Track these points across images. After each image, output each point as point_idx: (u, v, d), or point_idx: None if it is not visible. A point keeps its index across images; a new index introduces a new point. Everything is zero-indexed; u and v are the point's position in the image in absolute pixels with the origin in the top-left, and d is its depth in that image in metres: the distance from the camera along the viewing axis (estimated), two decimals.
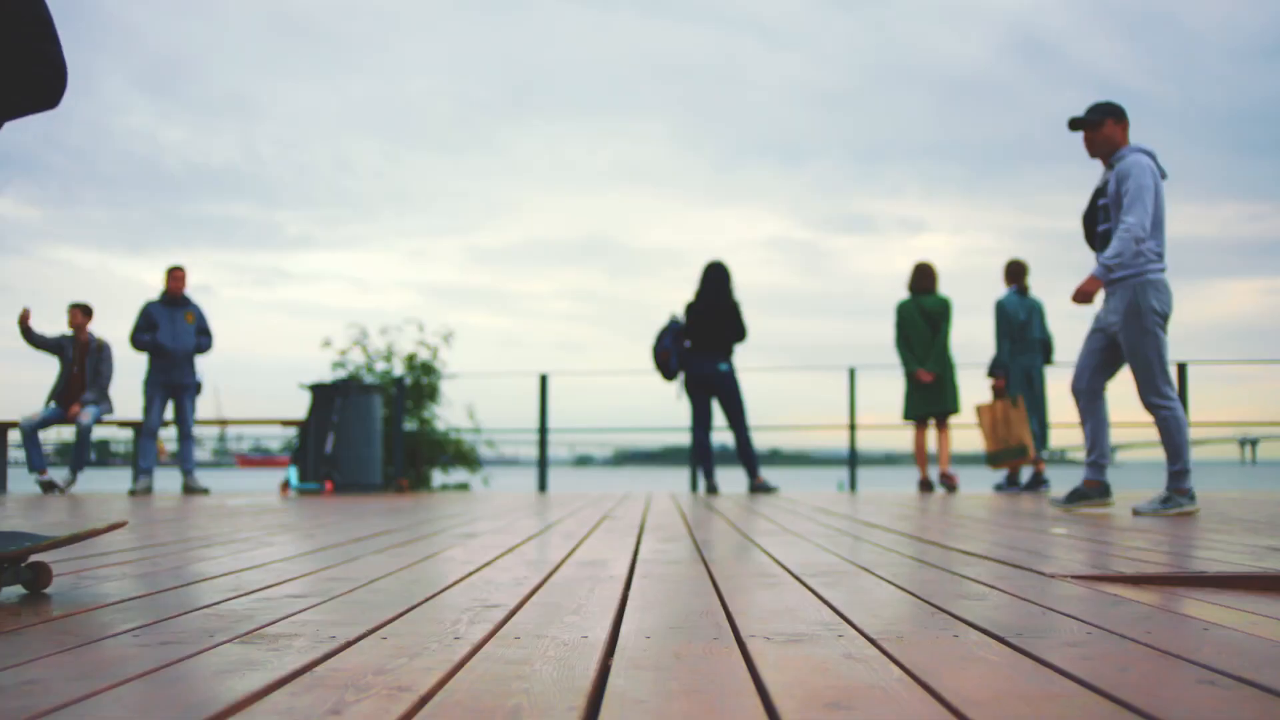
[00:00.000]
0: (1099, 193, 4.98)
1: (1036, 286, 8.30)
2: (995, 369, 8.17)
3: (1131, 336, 4.72)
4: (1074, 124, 4.91)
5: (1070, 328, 10.74)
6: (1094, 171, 5.06)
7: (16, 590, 1.92)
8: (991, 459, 8.02)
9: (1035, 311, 8.10)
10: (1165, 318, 4.72)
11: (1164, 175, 4.79)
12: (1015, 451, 7.84)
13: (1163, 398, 4.71)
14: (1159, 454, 4.85)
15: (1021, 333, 8.04)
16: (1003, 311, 8.04)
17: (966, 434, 8.48)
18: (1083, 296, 4.82)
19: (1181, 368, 8.92)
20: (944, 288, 8.47)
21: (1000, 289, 8.26)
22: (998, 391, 8.12)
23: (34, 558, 1.85)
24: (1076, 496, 4.97)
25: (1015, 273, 8.18)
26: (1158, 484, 4.78)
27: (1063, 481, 6.78)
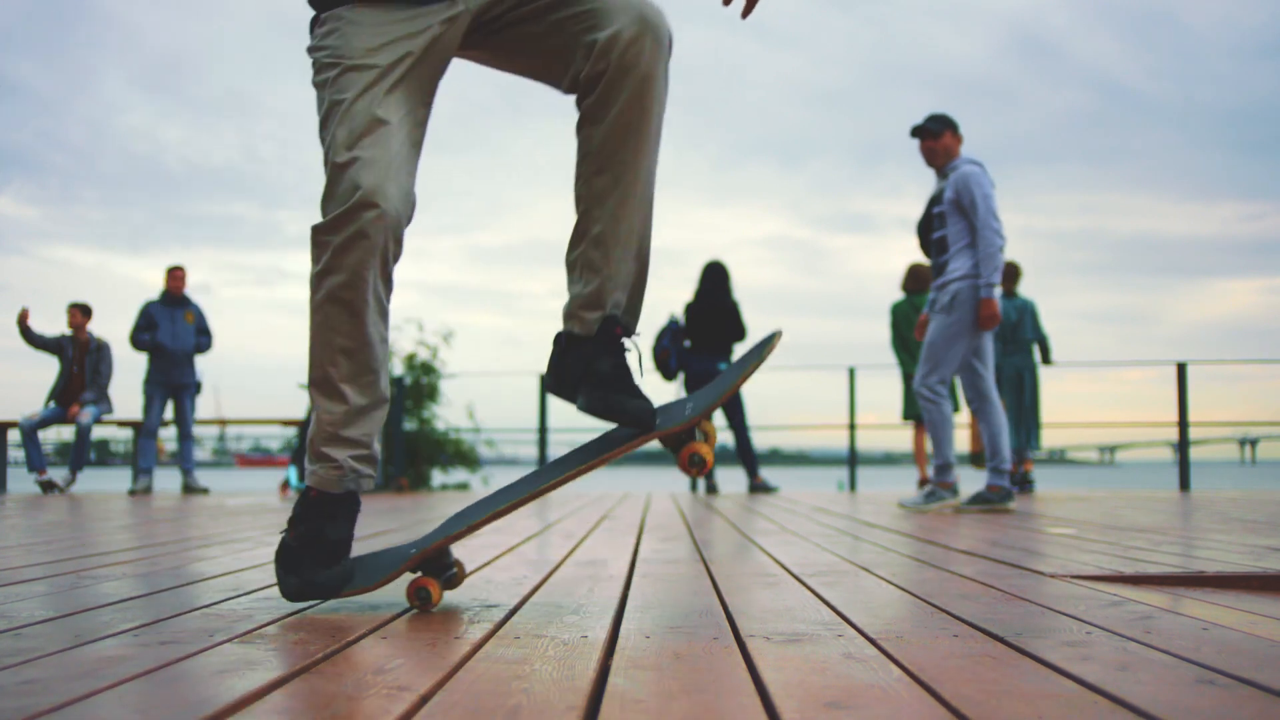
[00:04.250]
0: (934, 200, 5.26)
1: (1035, 286, 8.32)
2: None
3: (941, 328, 4.99)
4: (915, 132, 5.17)
5: (1069, 326, 10.79)
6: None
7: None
8: (975, 459, 8.03)
9: (1027, 312, 8.09)
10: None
11: (993, 184, 5.05)
12: None
13: (933, 392, 4.98)
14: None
15: (1013, 334, 8.04)
16: None
17: (968, 435, 8.48)
18: (989, 321, 4.95)
19: (1181, 367, 8.92)
20: None
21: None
22: None
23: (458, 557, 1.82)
24: (979, 500, 5.05)
25: (1004, 275, 8.17)
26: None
27: (1051, 481, 6.77)
